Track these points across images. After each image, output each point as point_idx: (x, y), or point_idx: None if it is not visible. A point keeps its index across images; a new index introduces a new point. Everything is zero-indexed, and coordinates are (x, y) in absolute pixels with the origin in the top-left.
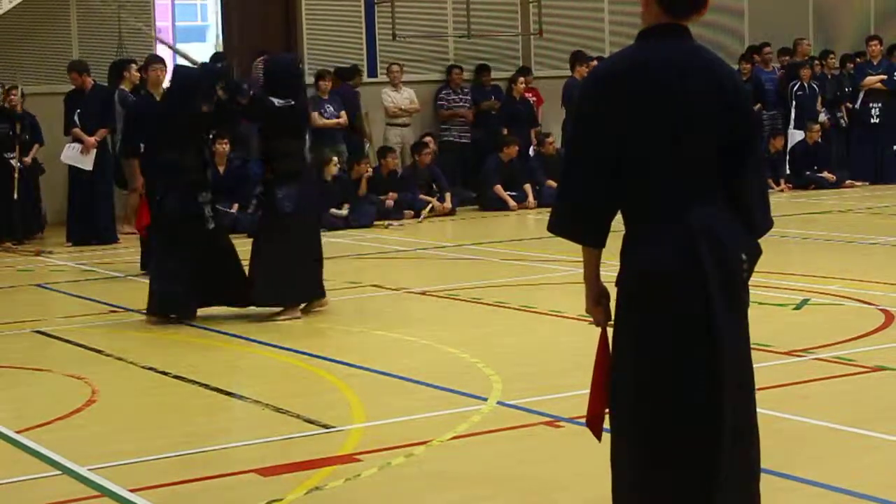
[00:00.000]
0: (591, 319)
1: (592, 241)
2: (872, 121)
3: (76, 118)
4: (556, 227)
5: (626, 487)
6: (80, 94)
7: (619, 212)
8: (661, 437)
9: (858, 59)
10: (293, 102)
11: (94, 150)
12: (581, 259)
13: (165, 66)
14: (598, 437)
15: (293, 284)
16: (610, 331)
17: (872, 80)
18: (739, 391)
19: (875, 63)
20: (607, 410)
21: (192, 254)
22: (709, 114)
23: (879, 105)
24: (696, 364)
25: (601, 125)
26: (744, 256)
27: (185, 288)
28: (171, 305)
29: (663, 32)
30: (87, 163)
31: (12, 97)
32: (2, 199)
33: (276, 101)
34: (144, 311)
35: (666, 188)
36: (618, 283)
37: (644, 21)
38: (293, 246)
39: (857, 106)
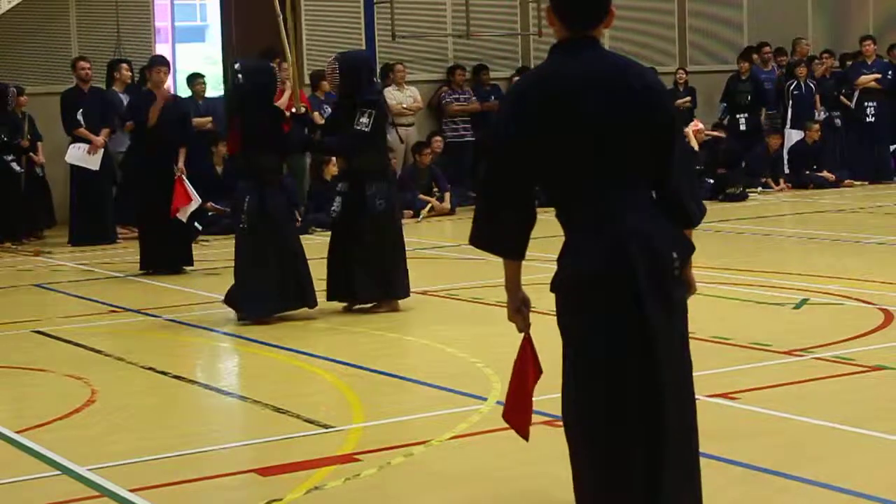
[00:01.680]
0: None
1: (513, 255)
2: (868, 120)
3: (80, 118)
4: (477, 241)
5: (585, 486)
6: (80, 93)
7: (555, 220)
8: (603, 435)
9: (858, 58)
10: (374, 111)
11: (101, 150)
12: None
13: (168, 68)
14: (526, 437)
15: (391, 281)
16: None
17: (867, 79)
18: (677, 388)
19: (869, 62)
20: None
21: (274, 254)
22: (622, 116)
23: (874, 104)
24: (630, 363)
25: (516, 142)
26: (675, 255)
27: (270, 289)
28: (258, 307)
29: (570, 45)
30: (93, 163)
31: (21, 99)
32: (3, 200)
33: (364, 123)
34: (239, 316)
35: (594, 194)
36: (553, 289)
37: (555, 36)
38: (387, 244)
39: (852, 105)
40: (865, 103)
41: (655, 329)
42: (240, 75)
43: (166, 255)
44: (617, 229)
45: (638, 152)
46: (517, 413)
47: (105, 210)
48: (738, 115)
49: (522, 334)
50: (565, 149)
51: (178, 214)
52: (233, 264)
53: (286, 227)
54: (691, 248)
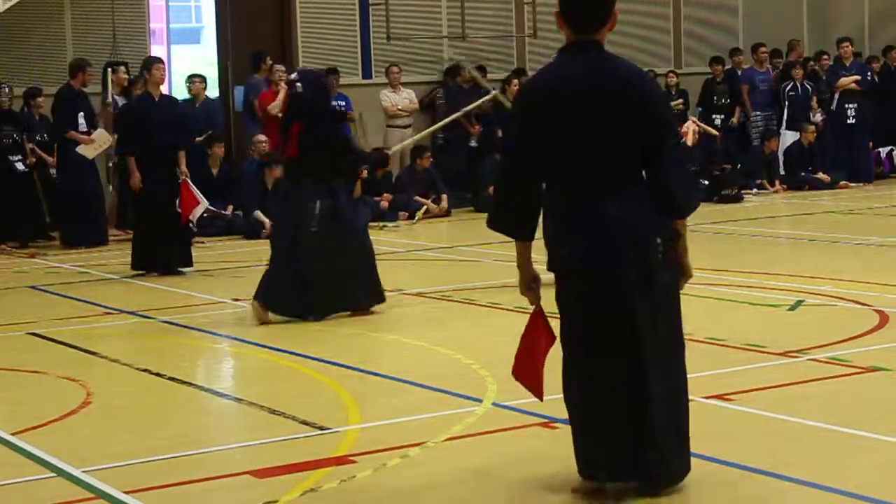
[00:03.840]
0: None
1: (525, 236)
2: (849, 121)
3: (82, 121)
4: (492, 224)
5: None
6: (79, 94)
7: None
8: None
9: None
10: None
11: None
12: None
13: (164, 67)
14: (540, 397)
15: None
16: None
17: (846, 81)
18: (660, 367)
19: (847, 64)
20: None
21: (341, 254)
22: (620, 116)
23: (854, 105)
24: (614, 339)
25: (529, 135)
26: (658, 240)
27: (338, 289)
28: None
29: (577, 48)
30: (89, 152)
31: (38, 100)
32: (7, 202)
33: None
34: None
35: (586, 184)
36: (549, 268)
37: (565, 39)
38: None
39: (833, 107)
40: (846, 105)
41: (637, 308)
42: (298, 84)
43: (164, 256)
44: (605, 217)
45: (628, 151)
46: (529, 376)
47: (95, 211)
48: (713, 116)
49: (533, 307)
50: (562, 144)
51: (190, 217)
52: (231, 265)
53: (356, 226)
54: (675, 234)
